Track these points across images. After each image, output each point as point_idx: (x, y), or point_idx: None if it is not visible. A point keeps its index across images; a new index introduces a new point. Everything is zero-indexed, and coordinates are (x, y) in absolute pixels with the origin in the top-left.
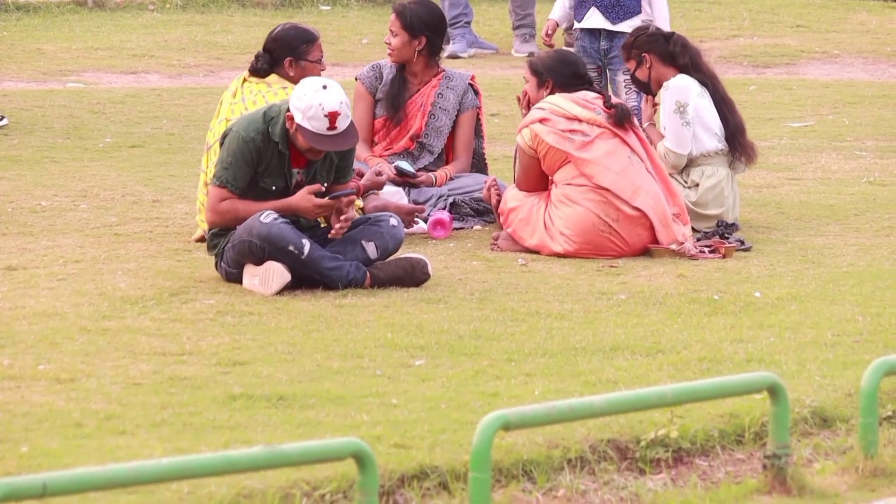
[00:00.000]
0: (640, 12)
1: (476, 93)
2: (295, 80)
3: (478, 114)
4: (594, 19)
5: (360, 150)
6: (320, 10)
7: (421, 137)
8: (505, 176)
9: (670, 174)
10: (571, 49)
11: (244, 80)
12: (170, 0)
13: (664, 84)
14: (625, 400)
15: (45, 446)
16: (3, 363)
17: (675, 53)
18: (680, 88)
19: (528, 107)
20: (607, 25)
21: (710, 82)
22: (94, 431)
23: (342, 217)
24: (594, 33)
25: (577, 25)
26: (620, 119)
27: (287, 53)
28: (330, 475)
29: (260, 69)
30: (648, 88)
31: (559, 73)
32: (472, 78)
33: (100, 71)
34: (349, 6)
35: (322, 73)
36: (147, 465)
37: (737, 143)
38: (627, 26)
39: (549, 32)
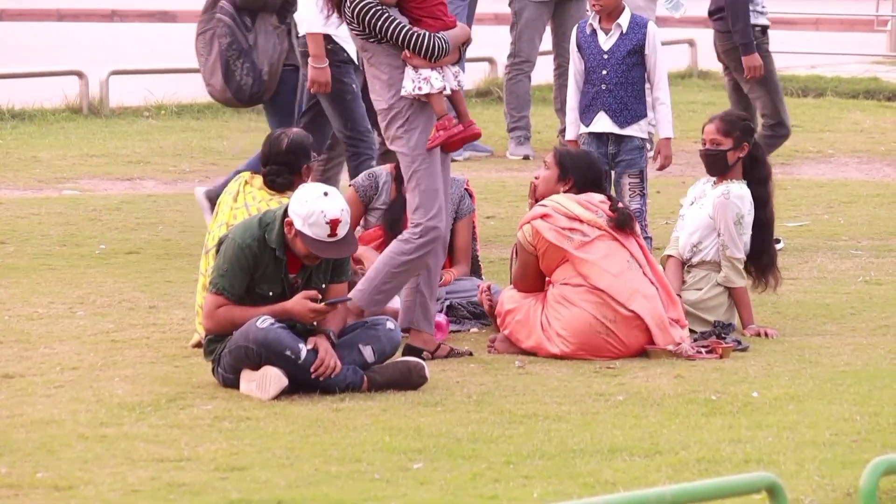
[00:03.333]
0: (645, 116)
1: (471, 196)
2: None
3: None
4: (602, 123)
5: None
6: None
7: None
8: (500, 279)
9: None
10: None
11: (245, 182)
12: (165, 106)
13: (727, 188)
14: (624, 501)
15: None
16: (0, 471)
17: (757, 160)
18: (744, 198)
19: (534, 194)
20: (615, 129)
21: (769, 202)
22: None
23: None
24: (602, 138)
25: (584, 130)
26: (622, 224)
27: (304, 160)
28: None
29: (285, 184)
30: (723, 171)
31: (583, 176)
32: (467, 183)
33: (95, 178)
34: None
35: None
36: None
37: (766, 274)
38: (635, 130)
39: None
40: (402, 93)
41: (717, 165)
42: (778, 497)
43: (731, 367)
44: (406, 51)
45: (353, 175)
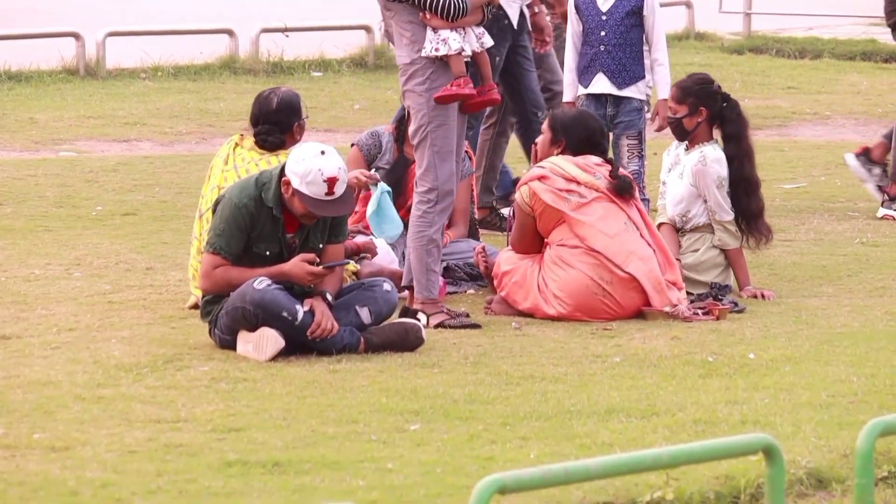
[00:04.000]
0: (644, 77)
1: (471, 159)
2: (295, 143)
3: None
4: (600, 84)
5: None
6: (312, 76)
7: None
8: (496, 240)
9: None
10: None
11: (235, 145)
12: (161, 68)
13: (702, 154)
14: (620, 463)
15: None
16: None
17: (727, 119)
18: (721, 160)
19: (535, 159)
20: (614, 91)
21: (744, 159)
22: (89, 500)
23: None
24: (600, 99)
25: (582, 91)
26: (622, 190)
27: (294, 119)
28: None
29: (276, 143)
30: (685, 136)
31: (574, 137)
32: (467, 146)
33: (92, 139)
34: (340, 72)
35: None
36: None
37: (750, 226)
38: (634, 91)
39: None
40: (423, 53)
41: (677, 132)
42: (774, 458)
43: (727, 328)
44: (424, 12)
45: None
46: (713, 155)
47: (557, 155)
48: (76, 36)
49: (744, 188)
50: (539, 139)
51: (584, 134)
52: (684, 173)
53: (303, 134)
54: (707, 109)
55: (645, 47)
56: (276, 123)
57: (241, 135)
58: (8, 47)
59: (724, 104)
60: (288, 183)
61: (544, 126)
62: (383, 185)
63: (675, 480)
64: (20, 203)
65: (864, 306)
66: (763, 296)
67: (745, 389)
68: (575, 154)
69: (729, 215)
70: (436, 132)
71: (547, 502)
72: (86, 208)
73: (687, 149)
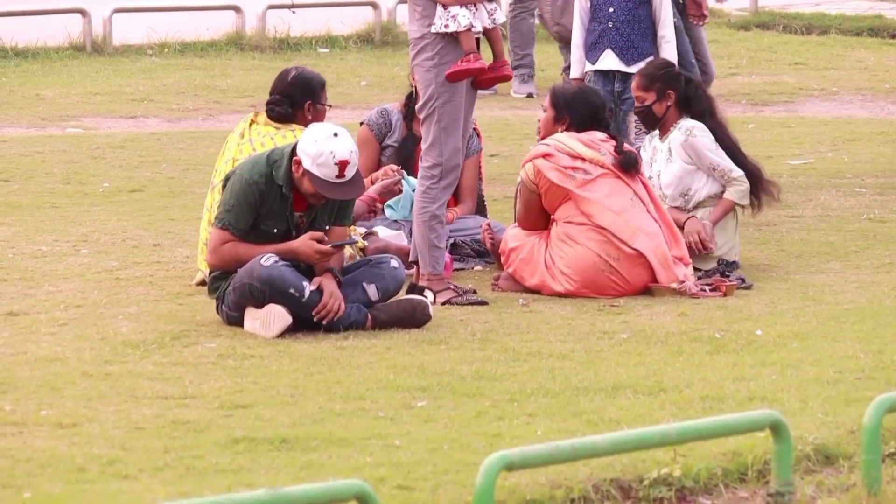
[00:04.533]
0: (652, 54)
1: (478, 136)
2: (307, 124)
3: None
4: (608, 61)
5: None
6: (318, 52)
7: None
8: (505, 217)
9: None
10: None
11: (251, 122)
12: (168, 44)
13: (683, 128)
14: (627, 439)
15: (48, 492)
16: (4, 409)
17: (692, 98)
18: (703, 129)
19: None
20: (622, 67)
21: (719, 130)
22: (96, 476)
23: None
24: (608, 75)
25: (589, 67)
26: (627, 165)
27: (307, 97)
28: None
29: (284, 114)
30: (655, 124)
31: (577, 112)
32: (475, 122)
33: (99, 116)
34: (347, 49)
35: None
36: None
37: (758, 186)
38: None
39: None
40: (433, 29)
41: (648, 120)
42: (781, 434)
43: (734, 305)
44: None
45: None
46: (694, 125)
47: (562, 132)
48: (83, 12)
49: (733, 155)
50: (542, 117)
51: (587, 110)
52: (673, 156)
53: (318, 118)
54: (674, 91)
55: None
56: (287, 96)
57: (257, 112)
58: (15, 24)
59: (687, 86)
60: (299, 162)
61: (546, 103)
62: (410, 181)
63: (682, 457)
64: (27, 180)
65: (871, 282)
66: (701, 242)
67: (752, 366)
68: (579, 130)
69: (739, 171)
70: (443, 108)
71: (554, 479)
72: (93, 185)
73: (661, 137)
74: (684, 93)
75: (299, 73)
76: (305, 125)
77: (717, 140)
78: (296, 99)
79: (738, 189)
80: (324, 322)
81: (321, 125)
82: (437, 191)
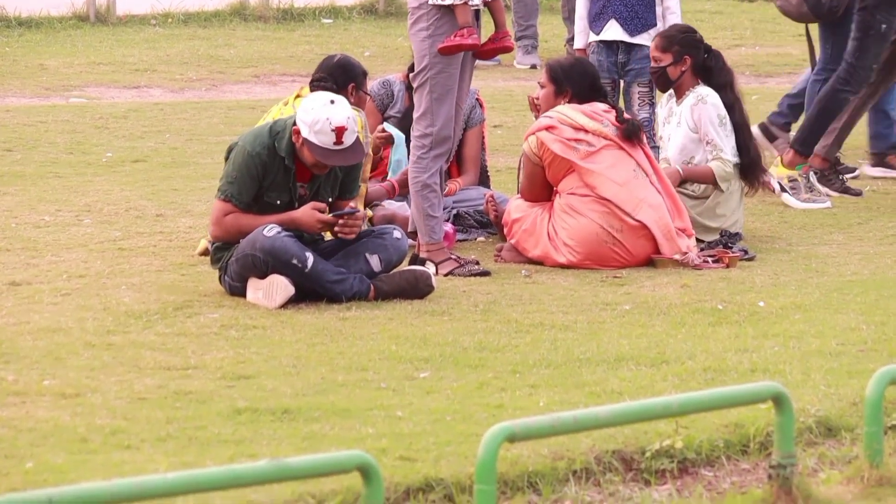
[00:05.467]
0: (656, 24)
1: (481, 106)
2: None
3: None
4: (612, 31)
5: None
6: (322, 23)
7: None
8: (508, 188)
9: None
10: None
11: (297, 95)
12: (172, 14)
13: (698, 93)
14: (629, 411)
15: (51, 462)
16: (7, 379)
17: (712, 69)
18: (718, 100)
19: (535, 110)
20: (626, 38)
21: (735, 105)
22: (99, 446)
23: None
24: (612, 46)
25: (593, 38)
26: (629, 134)
27: (351, 80)
28: (335, 488)
29: (328, 90)
30: (668, 86)
31: (578, 84)
32: (478, 93)
33: (102, 86)
34: (351, 19)
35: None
36: (152, 480)
37: (751, 174)
38: (645, 38)
39: None
40: (431, 1)
41: (661, 82)
42: (784, 406)
43: (737, 276)
44: None
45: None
46: (709, 93)
47: (564, 104)
48: None
49: (746, 134)
50: (540, 94)
51: (587, 80)
52: (682, 121)
53: (360, 104)
54: (691, 58)
55: None
56: (331, 74)
57: (303, 86)
58: None
59: (707, 55)
60: (298, 132)
61: (543, 79)
62: (398, 137)
63: (684, 429)
64: (30, 149)
65: (874, 254)
66: None
67: (754, 337)
68: (581, 102)
69: (729, 154)
70: (436, 78)
71: (556, 450)
72: (96, 155)
73: (678, 100)
74: (703, 61)
75: (344, 57)
76: None
77: (733, 116)
78: (340, 80)
79: (722, 168)
80: (342, 236)
81: (318, 94)
82: (428, 160)
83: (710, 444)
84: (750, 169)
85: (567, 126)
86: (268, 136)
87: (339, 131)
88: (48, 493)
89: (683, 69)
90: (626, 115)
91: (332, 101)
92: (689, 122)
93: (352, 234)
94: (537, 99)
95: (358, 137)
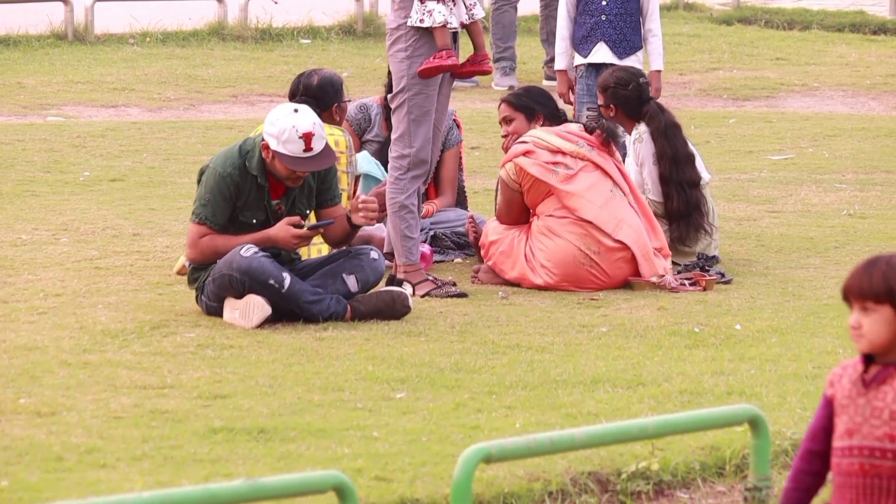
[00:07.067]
0: (641, 47)
1: (459, 127)
2: (334, 124)
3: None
4: (601, 54)
5: None
6: (300, 43)
7: None
8: (485, 209)
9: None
10: (552, 83)
11: None
12: (150, 34)
13: (639, 131)
14: (606, 432)
15: (26, 480)
16: None
17: (646, 116)
18: (650, 146)
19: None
20: (615, 60)
21: (667, 152)
22: (74, 465)
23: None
24: (601, 69)
25: (581, 61)
26: (612, 135)
27: (334, 100)
28: None
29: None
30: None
31: (546, 105)
32: (455, 114)
33: (80, 104)
34: (329, 40)
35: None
36: (128, 499)
37: (686, 220)
38: (633, 61)
39: (571, 88)
40: (408, 22)
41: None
42: (760, 429)
43: (714, 299)
44: None
45: None
46: (643, 134)
47: (538, 128)
48: (65, 0)
49: (672, 184)
50: (510, 128)
51: (552, 102)
52: (630, 155)
53: (343, 117)
54: (619, 109)
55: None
56: (314, 98)
57: None
58: None
59: (640, 105)
60: (267, 147)
61: (508, 112)
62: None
63: (660, 451)
64: (7, 168)
65: None
66: None
67: (731, 360)
68: (552, 125)
69: (655, 196)
70: (413, 99)
71: (532, 471)
72: (73, 174)
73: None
74: (637, 111)
75: (324, 76)
76: (336, 124)
77: (660, 161)
78: (322, 102)
79: (652, 205)
80: (366, 222)
81: (281, 105)
82: (406, 181)
83: (686, 466)
84: (675, 217)
85: (544, 150)
86: (238, 156)
87: (307, 137)
88: None
89: (612, 115)
90: (594, 123)
91: (296, 111)
92: (635, 158)
93: (371, 220)
94: (505, 136)
95: (327, 143)
